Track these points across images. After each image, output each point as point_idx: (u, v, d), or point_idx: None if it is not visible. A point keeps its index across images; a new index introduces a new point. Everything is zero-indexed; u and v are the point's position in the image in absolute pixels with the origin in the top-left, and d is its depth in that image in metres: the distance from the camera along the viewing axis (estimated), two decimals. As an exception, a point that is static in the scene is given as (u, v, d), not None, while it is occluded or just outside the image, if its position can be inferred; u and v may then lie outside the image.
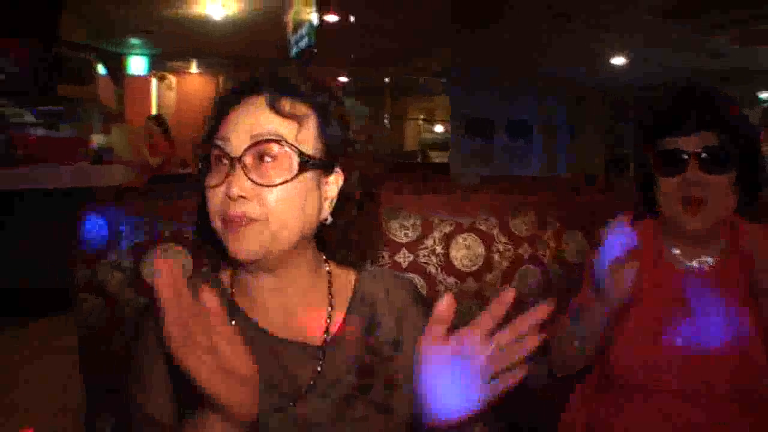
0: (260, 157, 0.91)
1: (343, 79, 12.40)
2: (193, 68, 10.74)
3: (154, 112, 10.02)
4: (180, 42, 9.18)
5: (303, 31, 5.65)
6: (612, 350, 1.31)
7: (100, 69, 8.02)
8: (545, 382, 1.40)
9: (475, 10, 7.02)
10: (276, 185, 0.90)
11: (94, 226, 1.24)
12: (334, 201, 0.99)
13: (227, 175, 0.90)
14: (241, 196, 0.89)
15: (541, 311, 0.80)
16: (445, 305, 0.81)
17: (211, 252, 1.03)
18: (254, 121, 0.93)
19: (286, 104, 0.94)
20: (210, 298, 0.73)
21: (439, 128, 13.95)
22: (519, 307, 1.46)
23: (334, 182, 0.99)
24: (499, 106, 13.14)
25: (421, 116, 14.24)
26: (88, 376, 1.26)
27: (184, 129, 7.49)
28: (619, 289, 1.18)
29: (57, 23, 6.31)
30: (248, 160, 0.91)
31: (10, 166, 5.26)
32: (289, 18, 6.29)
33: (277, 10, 6.73)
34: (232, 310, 0.99)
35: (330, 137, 0.97)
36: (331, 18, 6.52)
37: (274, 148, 0.91)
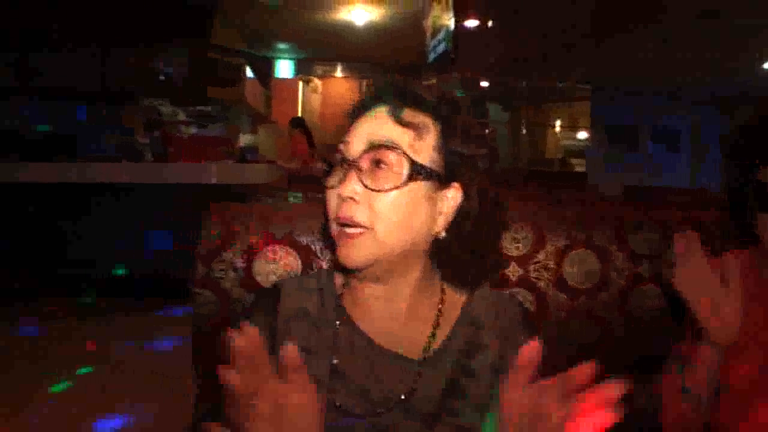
0: (376, 163, 0.94)
1: (483, 83, 12.33)
2: (338, 72, 10.99)
3: (299, 114, 10.45)
4: (325, 46, 9.52)
5: (441, 36, 5.66)
6: (716, 403, 1.16)
7: (248, 72, 8.43)
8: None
9: (617, 16, 6.77)
10: (385, 190, 0.92)
11: (213, 226, 1.30)
12: (450, 216, 0.98)
13: (343, 178, 0.94)
14: (351, 198, 0.92)
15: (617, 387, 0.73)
16: (529, 352, 0.77)
17: (331, 254, 1.06)
18: (374, 128, 0.96)
19: (406, 114, 0.96)
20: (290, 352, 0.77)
21: (582, 135, 13.50)
22: (638, 328, 1.39)
23: (452, 197, 0.98)
24: (644, 113, 12.60)
25: (560, 122, 13.83)
26: (197, 367, 1.32)
27: (328, 132, 7.76)
28: (721, 319, 1.06)
29: (209, 29, 6.71)
30: (364, 164, 0.94)
31: (164, 161, 5.71)
32: (428, 23, 6.33)
33: (417, 14, 6.81)
34: (340, 313, 1.02)
35: (450, 150, 0.97)
36: (471, 23, 6.51)
37: (388, 154, 0.93)
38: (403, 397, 0.96)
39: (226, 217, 1.31)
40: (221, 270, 1.27)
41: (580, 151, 13.48)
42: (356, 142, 0.96)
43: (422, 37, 6.84)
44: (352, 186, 0.93)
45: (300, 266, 1.27)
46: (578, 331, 1.38)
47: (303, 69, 10.84)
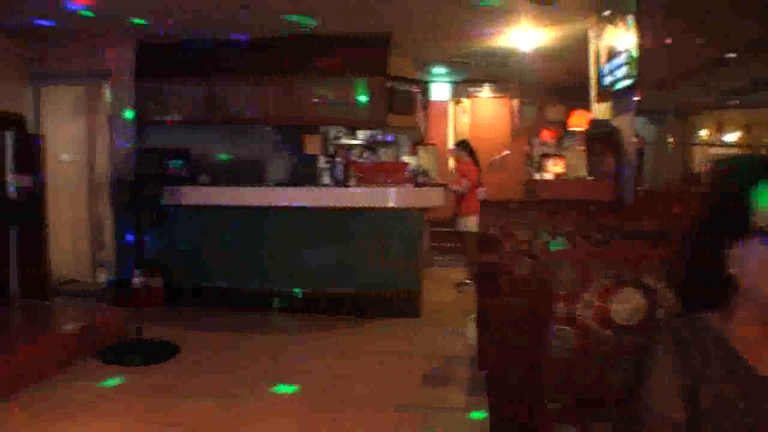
0: None
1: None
2: (486, 92, 11.16)
3: (450, 134, 10.87)
4: (482, 69, 9.62)
5: (621, 60, 5.45)
6: None
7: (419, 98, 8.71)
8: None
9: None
10: None
11: (572, 269, 1.53)
12: None
13: None
14: None
15: None
16: None
17: (693, 298, 1.26)
18: None
19: None
20: None
21: (730, 137, 12.35)
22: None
23: None
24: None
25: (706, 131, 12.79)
26: (552, 394, 1.52)
27: (480, 151, 7.84)
28: None
29: (387, 61, 7.07)
30: None
31: (346, 187, 6.22)
32: (600, 46, 6.19)
33: (582, 37, 6.81)
34: (724, 348, 1.17)
35: None
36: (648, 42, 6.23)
37: None
38: None
39: (584, 262, 1.54)
40: (581, 308, 1.49)
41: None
42: None
43: (588, 60, 6.75)
44: None
45: (646, 306, 1.46)
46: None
47: (455, 91, 11.15)
